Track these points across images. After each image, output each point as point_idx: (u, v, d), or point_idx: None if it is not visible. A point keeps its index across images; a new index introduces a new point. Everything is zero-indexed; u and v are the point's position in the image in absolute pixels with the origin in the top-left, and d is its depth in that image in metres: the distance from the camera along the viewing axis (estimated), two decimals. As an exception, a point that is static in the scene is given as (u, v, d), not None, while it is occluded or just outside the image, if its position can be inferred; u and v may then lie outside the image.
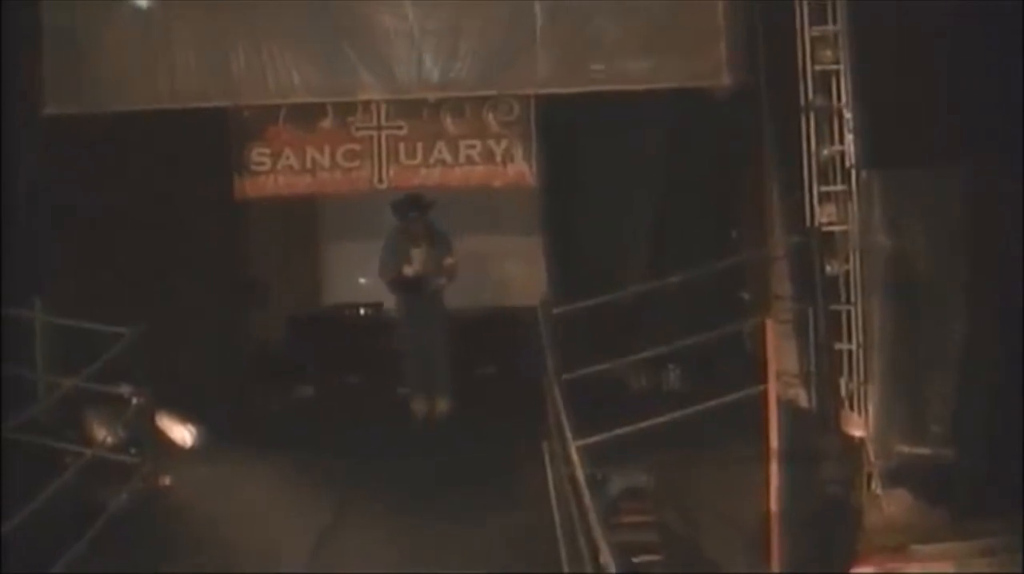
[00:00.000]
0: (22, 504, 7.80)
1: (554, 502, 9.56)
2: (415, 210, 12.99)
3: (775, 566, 8.59)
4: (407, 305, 13.27)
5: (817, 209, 10.34)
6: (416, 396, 13.10)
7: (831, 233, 10.28)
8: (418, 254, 13.02)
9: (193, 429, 11.20)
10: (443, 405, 12.99)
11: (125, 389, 10.26)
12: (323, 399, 13.95)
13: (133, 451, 10.27)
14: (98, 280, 11.87)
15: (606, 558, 6.68)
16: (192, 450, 11.12)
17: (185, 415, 11.14)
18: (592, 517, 7.23)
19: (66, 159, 11.68)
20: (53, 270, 11.53)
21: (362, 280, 15.08)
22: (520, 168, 13.65)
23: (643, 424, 9.31)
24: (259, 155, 13.48)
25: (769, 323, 9.16)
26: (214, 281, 13.27)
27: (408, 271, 13.02)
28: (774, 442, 8.77)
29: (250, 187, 13.53)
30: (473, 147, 13.62)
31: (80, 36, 11.31)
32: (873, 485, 9.64)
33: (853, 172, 10.25)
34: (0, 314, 10.22)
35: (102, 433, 10.46)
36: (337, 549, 9.31)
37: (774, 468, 8.74)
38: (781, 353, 9.66)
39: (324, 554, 9.24)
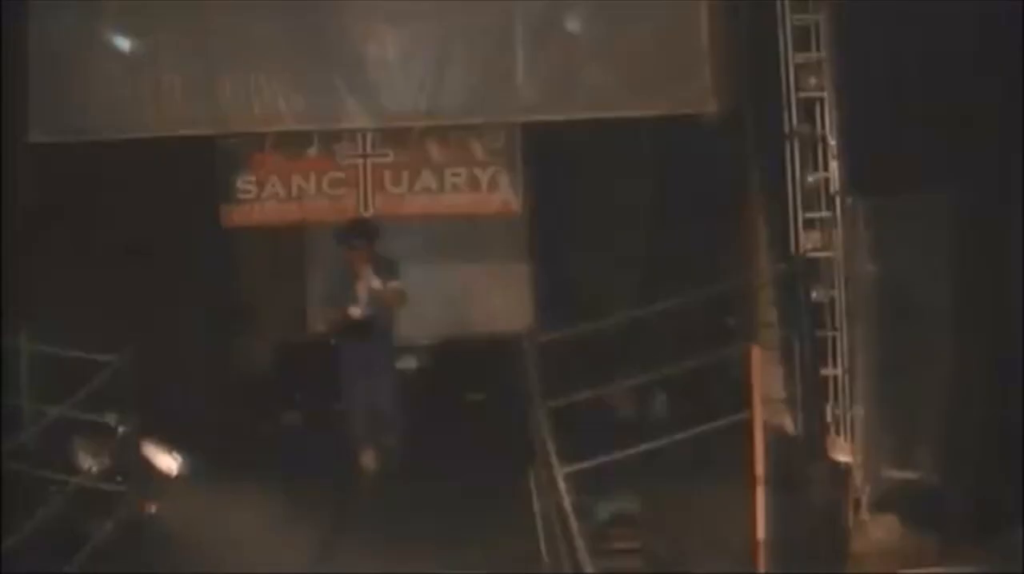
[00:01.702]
0: (8, 532, 7.77)
1: (540, 529, 9.55)
2: (360, 238, 11.75)
3: (762, 592, 8.60)
4: (352, 351, 11.80)
5: (802, 236, 10.38)
6: (364, 450, 11.79)
7: (816, 259, 10.32)
8: (363, 289, 11.63)
9: (179, 457, 11.17)
10: (394, 459, 11.76)
11: (111, 417, 10.25)
12: (310, 426, 13.91)
13: (119, 479, 10.24)
14: (84, 308, 11.84)
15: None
16: (178, 478, 11.09)
17: (171, 443, 11.12)
18: (579, 544, 7.23)
19: (52, 187, 11.67)
20: (39, 298, 11.50)
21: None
22: (506, 196, 13.69)
23: (630, 451, 9.30)
24: (245, 183, 13.50)
25: (755, 349, 9.16)
26: (201, 308, 13.27)
27: (355, 313, 11.61)
28: (760, 468, 8.77)
29: (237, 215, 13.55)
30: (459, 175, 13.65)
31: (66, 63, 11.31)
32: (860, 511, 9.64)
33: (838, 199, 10.30)
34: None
35: (88, 461, 10.44)
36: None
37: (760, 494, 8.74)
38: (767, 379, 9.66)
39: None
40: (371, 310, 11.60)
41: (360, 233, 11.81)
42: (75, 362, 10.29)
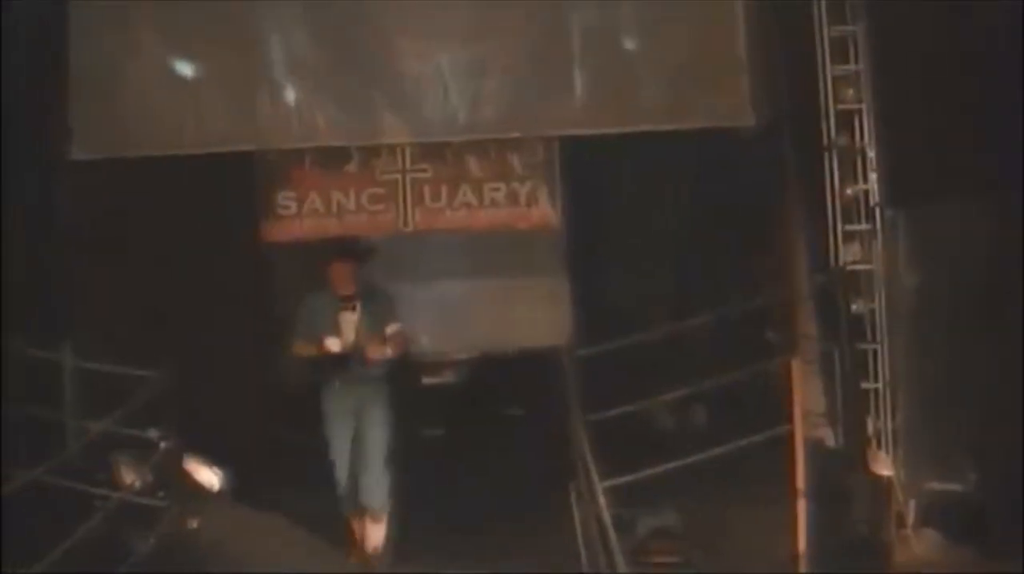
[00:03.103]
0: (52, 547, 7.82)
1: (581, 543, 9.55)
2: (348, 259, 10.28)
3: (803, 606, 8.57)
4: (332, 394, 10.13)
5: (841, 248, 10.35)
6: (351, 516, 10.20)
7: (856, 272, 10.29)
8: (349, 321, 10.09)
9: (220, 472, 11.23)
10: (384, 531, 10.12)
11: (153, 433, 10.31)
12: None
13: (161, 494, 10.30)
14: (127, 323, 11.93)
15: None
16: (220, 493, 11.15)
17: (212, 458, 11.17)
18: (619, 558, 7.23)
19: (94, 203, 11.77)
20: (82, 313, 11.59)
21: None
22: (545, 210, 13.67)
23: (670, 465, 9.29)
24: (285, 199, 13.50)
25: (795, 363, 9.15)
26: (242, 324, 13.32)
27: (332, 345, 9.92)
28: (800, 482, 8.75)
29: (276, 230, 13.56)
30: (498, 190, 13.63)
31: (107, 81, 11.38)
32: (902, 524, 9.60)
33: (877, 210, 10.27)
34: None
35: (130, 476, 10.50)
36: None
37: (801, 508, 8.71)
38: (807, 392, 9.63)
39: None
40: (354, 344, 9.97)
41: (348, 253, 10.40)
42: (117, 377, 10.36)
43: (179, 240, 12.63)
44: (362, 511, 10.05)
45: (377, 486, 9.98)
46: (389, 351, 10.05)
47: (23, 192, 11.14)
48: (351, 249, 10.59)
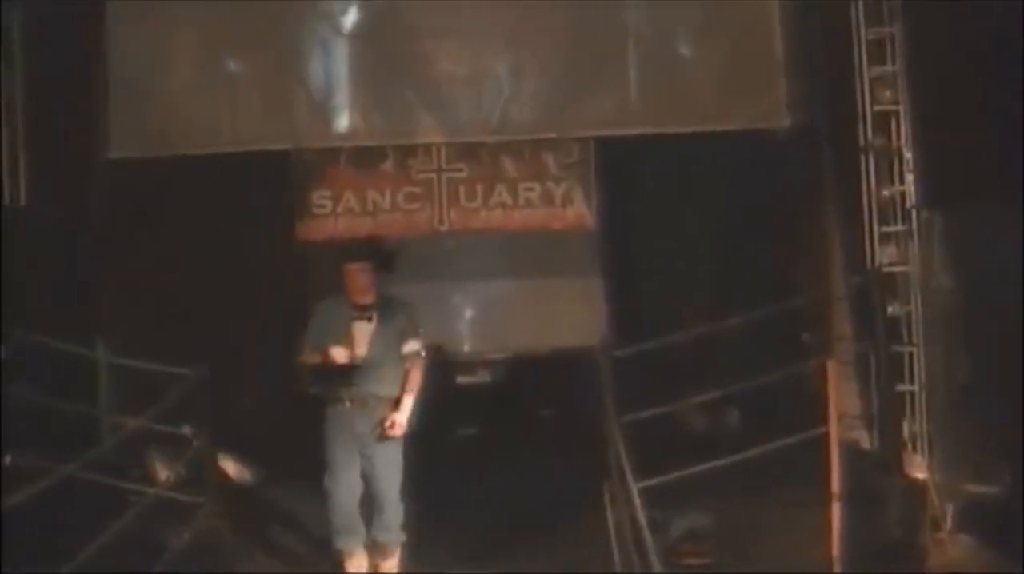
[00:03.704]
0: (86, 543, 7.85)
1: (614, 544, 9.54)
2: (364, 264, 9.22)
3: (836, 610, 8.53)
4: (339, 415, 9.12)
5: (878, 250, 10.31)
6: (351, 552, 9.23)
7: (892, 274, 10.25)
8: (363, 332, 9.08)
9: (254, 468, 11.26)
10: (398, 565, 9.31)
11: (186, 429, 10.35)
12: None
13: (194, 490, 10.33)
14: (161, 321, 11.99)
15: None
16: (252, 489, 11.18)
17: (245, 455, 11.21)
18: (653, 559, 7.21)
19: (131, 201, 11.83)
20: (117, 311, 11.66)
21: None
22: (580, 210, 13.68)
23: (704, 466, 9.27)
24: (320, 198, 13.56)
25: (830, 364, 9.09)
26: (276, 321, 13.35)
27: (338, 355, 8.91)
28: (835, 485, 8.71)
29: (311, 229, 13.61)
30: (532, 190, 13.65)
31: (145, 81, 11.45)
32: (936, 528, 9.54)
33: (913, 212, 10.22)
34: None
35: (164, 472, 10.55)
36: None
37: (835, 511, 8.67)
38: (842, 395, 9.57)
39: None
40: (367, 356, 9.01)
41: (367, 255, 9.37)
42: (151, 374, 10.40)
43: (214, 238, 12.68)
44: (374, 543, 9.20)
45: (393, 521, 9.14)
46: (404, 417, 9.03)
47: (61, 190, 11.20)
48: (368, 252, 9.47)
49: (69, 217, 11.33)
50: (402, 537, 9.21)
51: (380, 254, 9.54)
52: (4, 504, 7.45)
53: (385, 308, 9.15)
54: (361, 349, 8.98)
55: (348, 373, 8.96)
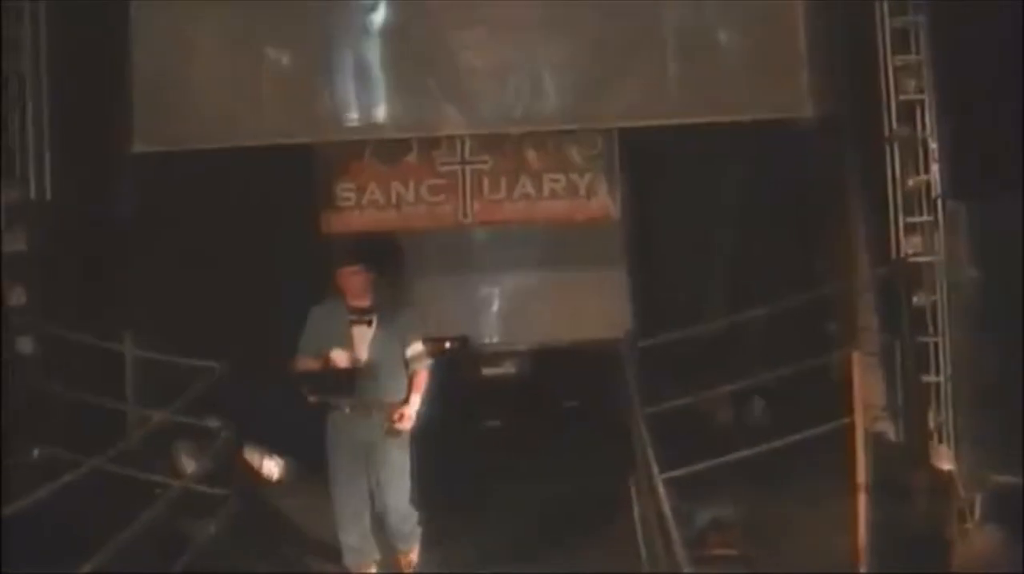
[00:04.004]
0: (113, 535, 7.89)
1: (640, 535, 9.54)
2: (358, 266, 8.83)
3: (862, 601, 8.51)
4: (340, 422, 8.78)
5: (903, 240, 10.28)
6: (355, 562, 8.89)
7: (917, 264, 10.21)
8: (363, 337, 8.71)
9: (280, 461, 11.29)
10: (415, 561, 9.05)
11: (212, 422, 10.38)
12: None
13: (220, 483, 10.37)
14: (186, 314, 12.02)
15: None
16: (279, 482, 11.21)
17: (272, 447, 11.24)
18: (679, 550, 7.19)
19: (154, 195, 11.87)
20: (143, 304, 11.70)
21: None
22: (603, 202, 13.67)
23: (729, 457, 9.26)
24: (344, 190, 13.59)
25: (856, 355, 9.07)
26: (302, 314, 13.37)
27: (340, 359, 8.61)
28: (861, 476, 8.69)
29: (336, 222, 13.64)
30: (557, 181, 13.65)
31: (168, 75, 11.48)
32: (963, 519, 9.51)
33: (939, 202, 10.18)
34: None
35: (190, 465, 10.58)
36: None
37: (861, 502, 8.65)
38: (868, 386, 9.55)
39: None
40: (371, 361, 8.64)
41: (365, 255, 9.04)
42: (177, 367, 10.45)
43: (239, 232, 12.71)
44: (390, 548, 8.95)
45: (404, 525, 8.84)
46: (411, 412, 8.67)
47: (86, 185, 11.25)
48: (362, 253, 9.08)
49: (94, 212, 11.37)
50: (417, 532, 8.94)
51: (376, 255, 9.32)
52: (30, 497, 7.49)
53: (385, 311, 8.81)
54: (362, 354, 8.65)
55: (349, 379, 8.60)
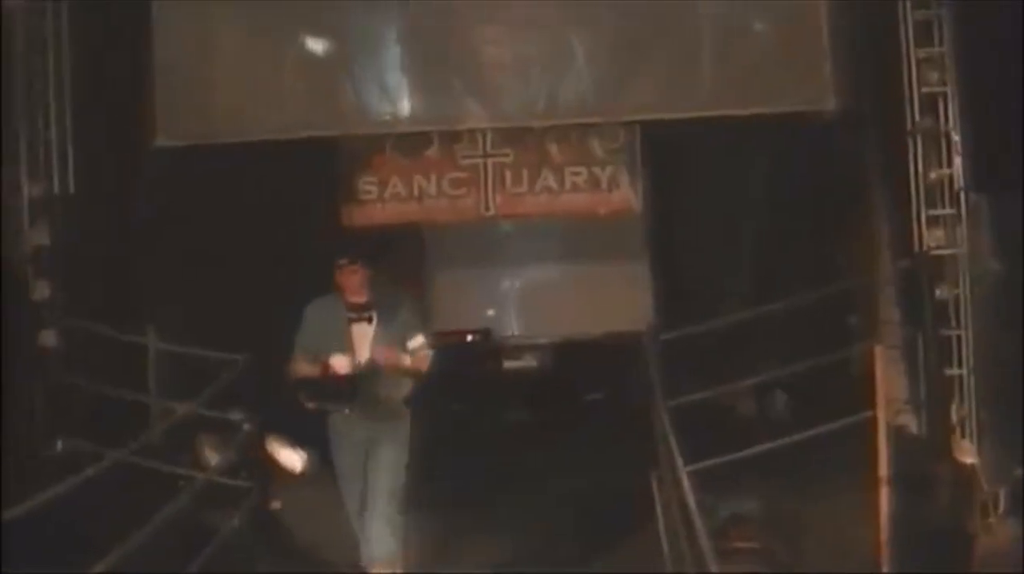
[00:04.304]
0: (137, 527, 7.93)
1: (662, 527, 9.54)
2: (353, 262, 8.47)
3: (884, 595, 8.51)
4: (341, 419, 8.53)
5: (925, 233, 10.24)
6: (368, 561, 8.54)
7: (940, 257, 10.18)
8: (363, 335, 8.40)
9: (303, 454, 11.32)
10: None
11: (236, 415, 10.42)
12: (428, 426, 13.96)
13: (244, 475, 10.40)
14: (209, 307, 12.06)
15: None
16: (302, 475, 11.24)
17: (296, 440, 11.27)
18: (703, 542, 7.20)
19: (177, 189, 11.91)
20: (167, 297, 11.75)
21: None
22: (625, 195, 13.68)
23: (752, 450, 9.25)
24: (367, 183, 13.63)
25: (878, 349, 9.07)
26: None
27: (340, 366, 8.31)
28: (883, 469, 8.68)
29: (358, 215, 13.68)
30: (579, 174, 13.66)
31: (191, 69, 11.50)
32: (985, 513, 9.49)
33: (961, 195, 10.14)
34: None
35: (214, 458, 10.62)
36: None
37: (884, 495, 8.65)
38: (890, 379, 9.54)
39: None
40: (371, 363, 8.34)
41: (355, 250, 8.70)
42: (201, 360, 10.49)
43: (261, 225, 12.74)
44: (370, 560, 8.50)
45: (382, 533, 8.38)
46: (408, 360, 8.41)
47: (109, 179, 11.30)
48: (356, 250, 8.71)
49: (117, 205, 11.42)
50: (398, 556, 8.47)
51: (370, 250, 9.06)
52: (53, 490, 7.53)
53: (384, 306, 8.48)
54: (363, 354, 8.36)
55: (350, 386, 8.31)
